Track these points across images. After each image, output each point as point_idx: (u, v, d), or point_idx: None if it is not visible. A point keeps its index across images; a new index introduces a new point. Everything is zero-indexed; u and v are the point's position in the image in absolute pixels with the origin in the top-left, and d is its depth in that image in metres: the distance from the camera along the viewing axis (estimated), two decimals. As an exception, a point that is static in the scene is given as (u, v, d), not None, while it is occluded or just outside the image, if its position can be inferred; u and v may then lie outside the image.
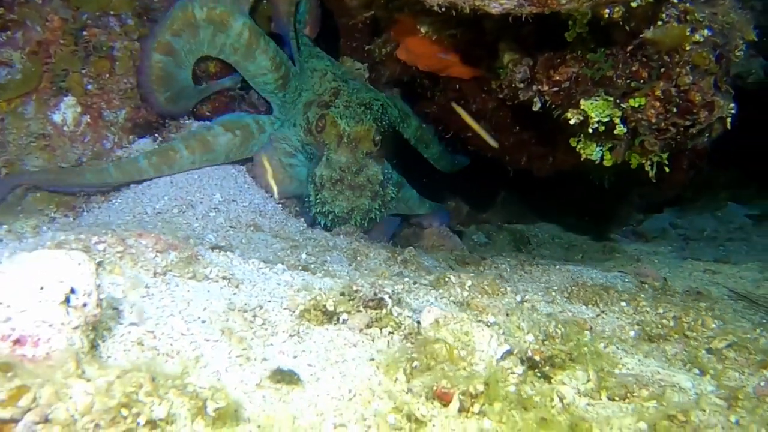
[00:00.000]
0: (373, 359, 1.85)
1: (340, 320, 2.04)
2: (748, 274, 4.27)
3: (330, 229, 4.16)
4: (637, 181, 4.14)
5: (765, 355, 2.40)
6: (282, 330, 1.95)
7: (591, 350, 2.09)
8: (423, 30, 3.53)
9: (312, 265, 3.04)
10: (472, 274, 2.72)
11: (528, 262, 3.90)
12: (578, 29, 2.77)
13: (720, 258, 5.38)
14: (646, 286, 3.49)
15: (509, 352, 1.96)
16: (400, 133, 4.68)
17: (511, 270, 3.77)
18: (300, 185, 4.29)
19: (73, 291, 1.57)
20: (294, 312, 2.05)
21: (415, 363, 1.73)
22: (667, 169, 3.12)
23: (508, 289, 2.66)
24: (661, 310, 2.83)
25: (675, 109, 2.84)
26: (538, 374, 1.95)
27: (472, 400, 1.59)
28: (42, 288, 1.53)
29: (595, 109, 2.92)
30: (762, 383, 2.16)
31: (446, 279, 2.64)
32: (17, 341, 1.44)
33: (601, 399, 1.88)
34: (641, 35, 2.76)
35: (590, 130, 3.00)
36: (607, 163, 3.17)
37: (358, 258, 3.47)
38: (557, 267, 3.75)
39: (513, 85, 3.13)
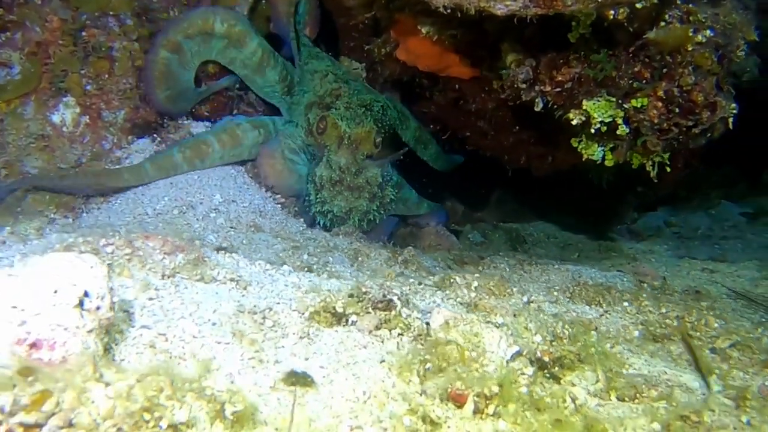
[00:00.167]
0: (384, 361, 1.86)
1: (350, 322, 2.05)
2: (746, 273, 4.29)
3: (329, 228, 4.19)
4: (634, 179, 4.17)
5: (768, 355, 2.42)
6: (292, 332, 1.95)
7: (598, 351, 2.10)
8: (424, 30, 3.53)
9: (315, 266, 3.04)
10: (477, 275, 2.72)
11: (527, 262, 3.92)
12: (581, 30, 2.78)
13: (716, 256, 5.40)
14: (646, 285, 3.50)
15: (519, 353, 1.97)
16: (399, 135, 4.69)
17: (511, 269, 3.78)
18: (300, 180, 4.31)
19: (86, 294, 1.57)
20: (303, 314, 2.05)
21: (428, 365, 1.74)
22: (668, 169, 3.14)
23: (515, 289, 2.67)
24: (663, 310, 2.84)
25: (677, 110, 2.85)
26: (548, 375, 1.96)
27: (487, 402, 1.59)
28: (56, 291, 1.53)
29: (597, 109, 2.93)
30: (767, 383, 2.17)
31: (452, 280, 2.64)
32: (33, 345, 1.44)
33: (610, 399, 1.90)
34: (644, 36, 2.77)
35: (592, 131, 3.00)
36: (608, 163, 3.18)
37: (360, 258, 3.48)
38: (556, 266, 3.76)
39: (515, 86, 3.13)
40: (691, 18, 2.76)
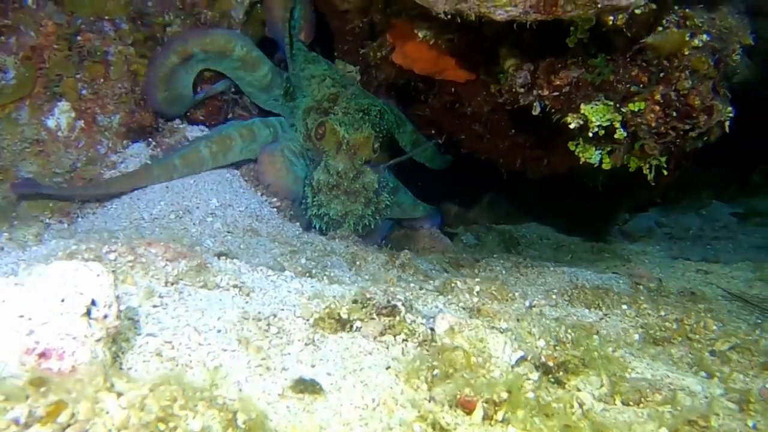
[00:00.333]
0: (390, 367, 1.86)
1: (354, 328, 2.05)
2: (740, 274, 4.32)
3: (325, 231, 4.22)
4: (628, 182, 4.19)
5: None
6: (297, 338, 1.94)
7: (601, 354, 2.11)
8: (421, 34, 3.53)
9: (314, 270, 3.04)
10: (478, 280, 2.72)
11: (523, 264, 3.93)
12: (579, 35, 2.80)
13: (709, 257, 5.44)
14: (642, 287, 3.52)
15: (523, 358, 1.97)
16: (397, 139, 4.69)
17: (507, 272, 3.79)
18: (297, 182, 4.33)
19: (93, 303, 1.56)
20: (308, 320, 2.04)
21: (436, 371, 1.74)
22: (665, 172, 3.16)
23: (517, 294, 2.68)
24: (662, 313, 2.85)
25: (675, 113, 2.87)
26: (552, 380, 1.96)
27: (496, 408, 1.60)
28: (63, 300, 1.52)
29: (595, 113, 2.95)
30: (767, 385, 2.18)
31: (453, 284, 2.65)
32: (42, 354, 1.43)
33: (615, 404, 1.90)
34: (642, 41, 2.79)
35: (590, 134, 3.02)
36: (606, 166, 3.20)
37: (358, 262, 3.48)
38: (552, 269, 3.77)
39: (513, 90, 3.15)
40: (688, 23, 2.78)
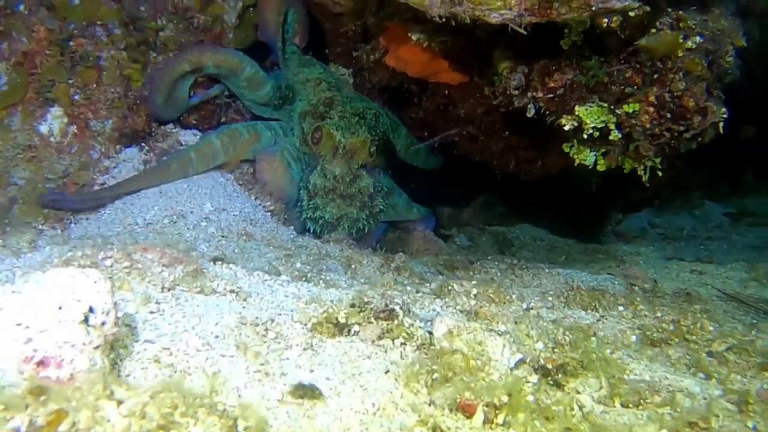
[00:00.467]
0: (389, 371, 1.85)
1: (352, 332, 2.04)
2: (735, 274, 4.33)
3: (320, 234, 4.24)
4: (620, 182, 4.20)
5: (765, 358, 2.44)
6: (296, 343, 1.94)
7: (599, 357, 2.11)
8: (414, 37, 3.53)
9: (309, 274, 3.03)
10: (475, 282, 2.72)
11: (518, 266, 3.93)
12: (573, 37, 2.80)
13: (703, 257, 5.45)
14: (637, 288, 3.52)
15: (522, 361, 1.97)
16: (393, 142, 4.70)
17: (502, 274, 3.79)
18: (293, 183, 4.33)
19: (91, 310, 1.55)
20: (306, 325, 2.04)
21: (435, 375, 1.73)
22: (659, 174, 3.17)
23: (514, 296, 2.68)
24: (659, 314, 2.85)
25: (669, 115, 2.87)
26: (551, 382, 1.96)
27: (496, 412, 1.60)
28: (60, 308, 1.51)
29: (589, 115, 2.95)
30: (765, 386, 2.19)
31: (450, 287, 2.65)
32: (41, 363, 1.42)
33: (615, 406, 1.90)
34: (635, 43, 2.80)
35: (585, 136, 3.02)
36: (600, 168, 3.20)
37: (353, 266, 3.48)
38: (547, 270, 3.77)
39: (508, 92, 3.15)
40: (681, 24, 2.79)
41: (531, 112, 3.18)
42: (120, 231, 3.54)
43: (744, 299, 3.67)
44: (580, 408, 1.76)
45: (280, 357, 1.85)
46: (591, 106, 2.97)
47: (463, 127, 4.48)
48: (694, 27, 2.81)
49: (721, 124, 2.94)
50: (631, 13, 2.53)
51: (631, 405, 1.91)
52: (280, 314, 2.11)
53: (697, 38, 2.81)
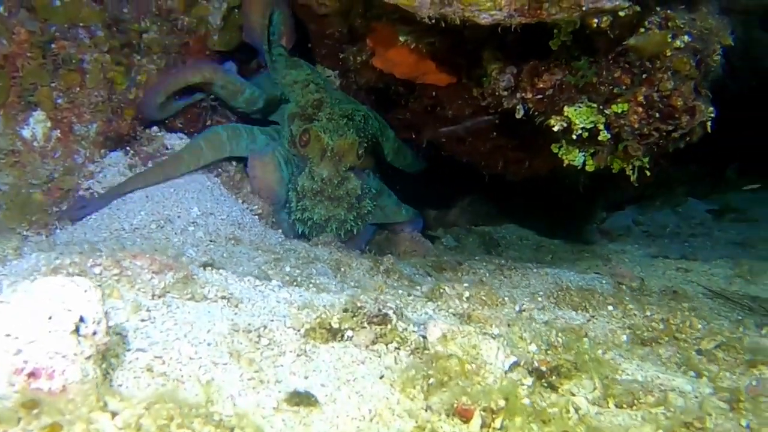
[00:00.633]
0: (383, 376, 1.84)
1: (345, 337, 2.03)
2: (720, 271, 4.37)
3: (308, 236, 4.25)
4: (605, 180, 4.21)
5: (752, 354, 2.46)
6: (289, 350, 1.92)
7: (592, 357, 2.11)
8: (402, 38, 3.52)
9: (299, 278, 3.01)
10: (466, 284, 2.72)
11: (506, 267, 3.93)
12: (562, 38, 2.80)
13: (687, 254, 5.49)
14: (624, 287, 3.53)
15: (516, 364, 1.97)
16: (381, 145, 4.68)
17: (490, 275, 3.79)
18: (282, 183, 4.33)
19: (82, 319, 1.52)
20: (299, 331, 2.02)
21: (431, 380, 1.72)
22: (648, 173, 3.18)
23: (506, 299, 2.68)
24: (648, 313, 2.87)
25: (657, 115, 2.89)
26: (545, 384, 1.96)
27: (493, 416, 1.59)
28: (50, 317, 1.48)
29: (579, 115, 2.96)
30: (753, 383, 2.20)
31: (442, 290, 2.64)
32: (32, 374, 1.39)
33: (609, 407, 1.90)
34: (624, 42, 2.80)
35: (574, 137, 3.03)
36: (589, 168, 3.21)
37: (342, 269, 3.46)
38: (535, 270, 3.77)
39: (497, 93, 3.15)
40: (669, 24, 2.80)
41: (520, 113, 3.18)
42: (107, 236, 3.49)
43: (729, 296, 3.70)
44: (576, 410, 1.75)
45: (274, 364, 1.83)
46: (580, 107, 2.97)
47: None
48: (682, 26, 2.82)
49: (709, 123, 2.96)
50: (621, 13, 2.53)
51: (625, 405, 1.91)
52: (272, 320, 2.09)
53: (686, 37, 2.82)
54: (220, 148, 4.11)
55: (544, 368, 1.99)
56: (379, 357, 1.96)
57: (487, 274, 3.80)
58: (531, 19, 2.45)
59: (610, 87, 2.90)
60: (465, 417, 1.60)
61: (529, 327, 2.31)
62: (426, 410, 1.65)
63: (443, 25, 2.60)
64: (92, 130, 3.89)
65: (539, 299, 3.07)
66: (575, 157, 3.18)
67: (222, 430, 1.33)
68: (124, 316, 1.92)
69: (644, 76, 2.86)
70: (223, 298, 2.20)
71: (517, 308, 2.65)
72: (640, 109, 2.88)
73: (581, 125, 2.96)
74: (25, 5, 3.62)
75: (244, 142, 4.22)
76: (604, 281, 3.63)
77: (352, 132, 4.17)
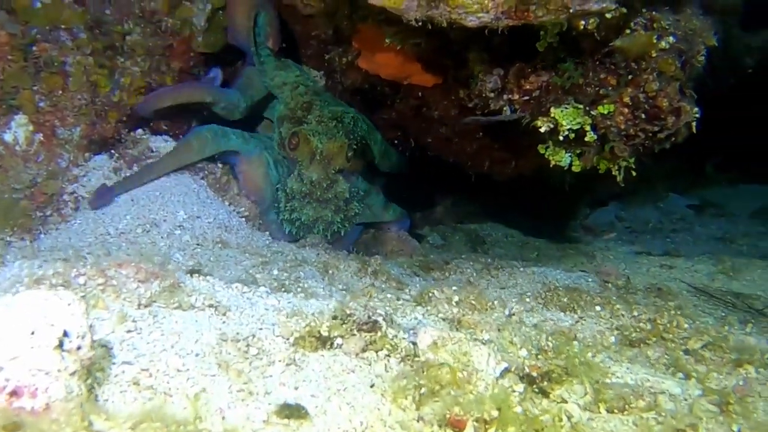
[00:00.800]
0: (374, 385, 1.83)
1: (335, 345, 2.01)
2: (703, 267, 4.40)
3: (296, 235, 4.26)
4: (588, 177, 4.21)
5: (738, 354, 2.47)
6: (278, 359, 1.90)
7: (582, 361, 2.10)
8: (388, 40, 3.50)
9: (287, 282, 3.00)
10: (455, 288, 2.71)
11: (493, 266, 3.93)
12: (549, 39, 2.79)
13: (670, 250, 5.53)
14: (610, 285, 3.54)
15: (507, 370, 1.96)
16: (370, 147, 4.66)
17: (477, 274, 3.79)
18: (270, 183, 4.31)
19: (66, 334, 1.50)
20: (288, 339, 2.00)
21: (422, 389, 1.71)
22: (634, 173, 3.18)
23: (496, 302, 2.67)
24: (635, 313, 2.87)
25: (643, 116, 2.89)
26: (536, 390, 1.95)
27: (486, 426, 1.58)
28: (33, 333, 1.45)
29: (565, 117, 2.95)
30: (741, 383, 2.21)
31: (431, 294, 2.63)
32: (14, 393, 1.36)
33: (600, 412, 1.90)
34: (610, 44, 2.80)
35: (560, 138, 3.02)
36: (575, 169, 3.21)
37: (330, 271, 3.45)
38: (521, 269, 3.78)
39: (483, 95, 3.14)
40: (655, 25, 2.80)
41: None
42: (92, 241, 3.45)
43: (713, 293, 3.72)
44: (569, 418, 1.75)
45: (263, 374, 1.81)
46: (566, 108, 2.97)
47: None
48: (667, 27, 2.82)
49: (694, 124, 2.96)
50: (608, 15, 2.52)
51: (616, 410, 1.91)
52: (261, 329, 2.07)
53: (671, 38, 2.82)
54: (224, 137, 4.11)
55: (535, 374, 1.98)
56: (370, 365, 1.95)
57: (475, 274, 3.80)
58: (518, 21, 2.44)
59: (597, 88, 2.90)
60: (458, 428, 1.59)
61: (518, 331, 2.30)
62: (418, 421, 1.64)
63: (430, 27, 2.59)
64: (76, 134, 3.84)
65: (527, 300, 3.07)
66: (562, 158, 3.17)
67: (212, 446, 1.31)
68: (109, 327, 1.89)
69: (630, 77, 2.86)
70: (210, 306, 2.18)
71: (506, 312, 2.64)
72: (626, 110, 2.88)
73: (568, 126, 2.95)
74: (5, 7, 3.56)
75: (239, 138, 4.23)
76: (590, 279, 3.64)
77: (342, 135, 4.15)
